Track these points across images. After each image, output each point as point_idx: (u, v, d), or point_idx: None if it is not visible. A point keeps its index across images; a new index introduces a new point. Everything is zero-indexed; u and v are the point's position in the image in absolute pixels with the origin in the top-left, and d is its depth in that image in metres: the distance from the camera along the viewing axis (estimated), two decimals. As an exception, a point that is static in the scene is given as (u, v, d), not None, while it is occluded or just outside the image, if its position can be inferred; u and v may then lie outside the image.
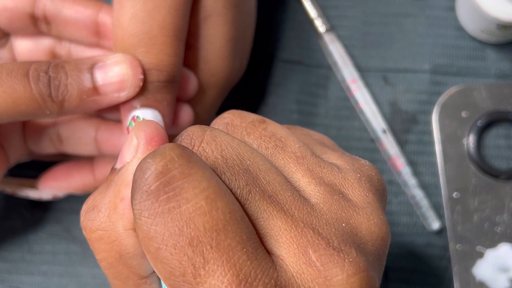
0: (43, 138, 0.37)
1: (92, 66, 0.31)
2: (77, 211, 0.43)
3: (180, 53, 0.32)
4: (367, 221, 0.25)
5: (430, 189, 0.43)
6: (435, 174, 0.43)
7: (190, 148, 0.25)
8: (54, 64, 0.31)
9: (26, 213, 0.43)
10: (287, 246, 0.23)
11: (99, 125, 0.37)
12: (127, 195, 0.24)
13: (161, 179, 0.22)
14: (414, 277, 0.42)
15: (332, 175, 0.26)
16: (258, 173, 0.25)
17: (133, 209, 0.22)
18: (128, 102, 0.33)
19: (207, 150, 0.25)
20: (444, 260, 0.42)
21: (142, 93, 0.32)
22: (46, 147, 0.38)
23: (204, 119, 0.37)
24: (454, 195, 0.42)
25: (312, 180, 0.26)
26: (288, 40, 0.44)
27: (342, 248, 0.24)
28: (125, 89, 0.31)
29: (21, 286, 0.42)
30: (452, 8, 0.44)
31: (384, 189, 0.28)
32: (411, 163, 0.43)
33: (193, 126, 0.26)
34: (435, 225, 0.42)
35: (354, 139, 0.43)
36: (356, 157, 0.28)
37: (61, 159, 0.40)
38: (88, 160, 0.39)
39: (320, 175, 0.26)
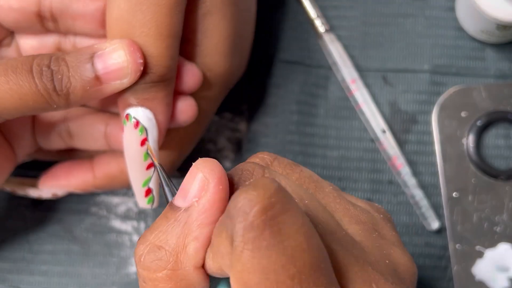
0: (53, 134, 0.38)
1: (91, 56, 0.31)
2: (77, 212, 0.43)
3: (167, 51, 0.32)
4: (403, 258, 0.27)
5: (429, 189, 0.43)
6: (435, 174, 0.43)
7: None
8: (55, 57, 0.31)
9: (27, 213, 0.43)
10: (354, 281, 0.24)
11: (109, 120, 0.37)
12: (201, 234, 0.25)
13: (267, 212, 0.22)
14: (414, 276, 0.42)
15: (364, 215, 0.27)
16: (316, 213, 0.25)
17: (234, 241, 0.22)
18: (121, 100, 0.33)
19: None
20: (443, 259, 0.42)
21: (131, 92, 0.32)
22: (56, 143, 0.38)
23: (202, 114, 0.37)
24: (453, 195, 0.42)
25: (351, 219, 0.27)
26: (288, 41, 0.44)
27: (396, 283, 0.25)
28: (126, 76, 0.31)
29: (22, 285, 0.42)
30: (451, 9, 0.44)
31: (396, 228, 0.30)
32: (411, 163, 0.43)
33: (250, 163, 0.26)
34: (435, 225, 0.42)
35: (354, 139, 0.43)
36: (368, 201, 0.30)
37: (66, 158, 0.40)
38: (88, 159, 0.39)
39: (356, 214, 0.27)
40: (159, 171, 0.29)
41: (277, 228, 0.22)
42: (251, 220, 0.22)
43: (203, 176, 0.25)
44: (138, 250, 0.26)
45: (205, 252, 0.25)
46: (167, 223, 0.25)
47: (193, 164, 0.25)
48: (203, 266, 0.25)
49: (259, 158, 0.28)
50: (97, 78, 0.31)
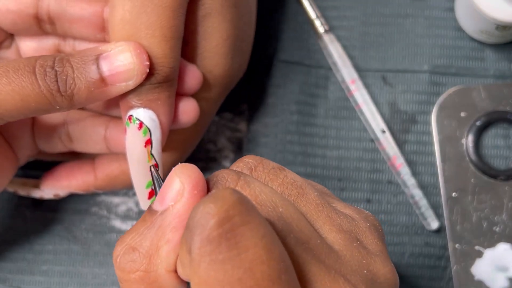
0: (52, 137, 0.38)
1: (97, 57, 0.31)
2: (78, 211, 0.43)
3: (171, 52, 0.32)
4: (383, 268, 0.27)
5: (429, 189, 0.43)
6: (434, 174, 0.43)
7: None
8: (59, 58, 0.31)
9: (28, 213, 0.43)
10: None
11: (109, 123, 0.37)
12: (173, 238, 0.25)
13: (224, 225, 0.22)
14: (413, 276, 0.42)
15: (348, 223, 0.27)
16: (291, 221, 0.25)
17: (191, 254, 0.22)
18: (124, 102, 0.33)
19: None
20: (443, 259, 0.42)
21: (135, 93, 0.32)
22: (56, 146, 0.38)
23: (202, 116, 0.37)
24: (453, 195, 0.42)
25: (332, 227, 0.27)
26: (287, 41, 0.44)
27: None
28: (132, 78, 0.31)
29: (22, 285, 0.43)
30: (451, 9, 0.44)
31: (385, 238, 0.29)
32: (410, 163, 0.43)
33: (226, 170, 0.26)
34: (434, 224, 0.42)
35: (353, 139, 0.44)
36: (358, 207, 0.30)
37: (68, 158, 0.40)
38: (90, 159, 0.39)
39: (338, 222, 0.27)
40: (152, 172, 0.29)
41: (234, 241, 0.22)
42: (207, 233, 0.22)
43: (179, 182, 0.25)
44: (115, 251, 0.26)
45: (177, 256, 0.25)
46: (144, 226, 0.26)
47: (172, 169, 0.25)
48: (176, 270, 0.25)
49: (243, 162, 0.28)
50: (102, 80, 0.31)
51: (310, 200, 0.27)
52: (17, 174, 0.42)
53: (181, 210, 0.25)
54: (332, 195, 0.30)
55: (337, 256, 0.26)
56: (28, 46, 0.37)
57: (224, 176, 0.26)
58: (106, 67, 0.31)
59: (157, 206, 0.26)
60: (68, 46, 0.37)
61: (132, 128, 0.33)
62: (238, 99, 0.44)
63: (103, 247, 0.43)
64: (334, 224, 0.27)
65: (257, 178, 0.27)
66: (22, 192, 0.40)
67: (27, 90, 0.31)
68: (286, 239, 0.24)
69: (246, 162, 0.28)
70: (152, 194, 0.35)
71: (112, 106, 0.37)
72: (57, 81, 0.31)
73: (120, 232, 0.43)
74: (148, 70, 0.31)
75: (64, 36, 0.37)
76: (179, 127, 0.36)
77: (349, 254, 0.26)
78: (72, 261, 0.43)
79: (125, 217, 0.43)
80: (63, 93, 0.31)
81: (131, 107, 0.33)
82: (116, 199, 0.44)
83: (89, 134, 0.37)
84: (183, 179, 0.25)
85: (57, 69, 0.31)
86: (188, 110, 0.35)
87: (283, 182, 0.27)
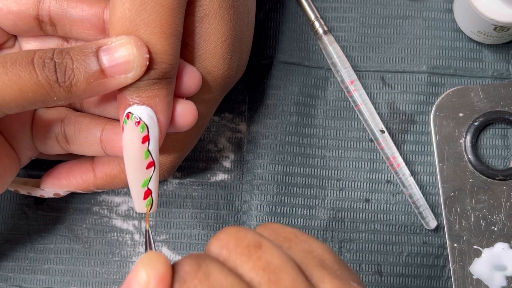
0: (49, 138, 0.37)
1: (97, 49, 0.31)
2: (79, 211, 0.44)
3: (170, 49, 0.32)
4: None
5: (427, 189, 0.43)
6: (433, 173, 0.43)
7: (182, 282, 0.25)
8: (58, 50, 0.31)
9: (29, 212, 0.44)
10: None
11: (105, 125, 0.37)
12: None
13: None
14: (412, 275, 0.42)
15: None
16: None
17: None
18: (121, 99, 0.33)
19: None
20: (441, 258, 0.42)
21: (133, 90, 0.32)
22: (53, 148, 0.38)
23: (201, 117, 0.37)
24: (451, 194, 0.42)
25: None
26: (287, 42, 0.45)
27: None
28: (131, 70, 0.31)
29: (24, 284, 0.43)
30: (449, 10, 0.45)
31: None
32: (409, 163, 0.43)
33: (189, 260, 0.25)
34: (433, 224, 0.42)
35: (352, 140, 0.44)
36: (355, 284, 0.27)
37: (68, 158, 0.41)
38: (89, 159, 0.39)
39: None
40: (147, 234, 0.29)
41: None
42: None
43: (145, 274, 0.24)
44: None
45: None
46: None
47: (139, 258, 0.25)
48: None
49: (217, 239, 0.27)
50: (102, 71, 0.31)
51: None
52: (19, 173, 0.42)
53: None
54: (333, 262, 0.27)
55: None
56: (31, 46, 0.37)
57: (184, 269, 0.25)
58: (106, 59, 0.31)
59: None
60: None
61: (129, 125, 0.33)
62: (238, 100, 0.44)
63: (104, 246, 0.43)
64: None
65: (228, 258, 0.26)
66: (23, 191, 0.40)
67: (25, 80, 0.31)
68: None
69: (219, 239, 0.26)
70: (148, 194, 0.34)
71: (109, 105, 0.37)
72: (55, 71, 0.31)
73: (121, 231, 0.44)
74: (147, 63, 0.32)
75: (65, 37, 0.37)
76: (177, 131, 0.35)
77: None
78: (74, 260, 0.43)
79: (126, 216, 0.44)
80: (61, 84, 0.31)
81: (129, 104, 0.33)
82: (117, 199, 0.44)
83: (84, 136, 0.37)
84: (149, 271, 0.24)
85: (56, 60, 0.31)
86: (186, 112, 0.35)
87: (255, 266, 0.25)
